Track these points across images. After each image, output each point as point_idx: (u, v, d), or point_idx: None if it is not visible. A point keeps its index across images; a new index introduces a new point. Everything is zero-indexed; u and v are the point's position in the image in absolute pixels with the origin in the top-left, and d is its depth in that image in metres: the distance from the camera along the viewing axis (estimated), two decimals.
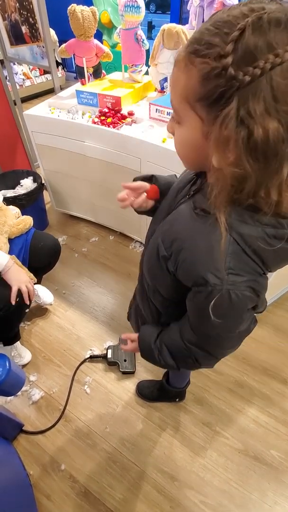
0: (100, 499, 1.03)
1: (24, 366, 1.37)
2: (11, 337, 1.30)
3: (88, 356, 1.40)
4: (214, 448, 1.14)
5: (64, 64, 4.34)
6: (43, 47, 1.80)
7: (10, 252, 1.19)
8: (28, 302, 1.11)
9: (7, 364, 0.93)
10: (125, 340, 0.75)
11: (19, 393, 1.27)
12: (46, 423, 1.20)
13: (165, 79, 1.69)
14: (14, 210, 1.34)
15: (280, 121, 0.31)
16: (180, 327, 0.59)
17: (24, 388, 1.28)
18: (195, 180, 0.52)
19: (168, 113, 1.43)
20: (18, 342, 1.36)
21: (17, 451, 1.09)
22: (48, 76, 3.93)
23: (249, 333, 0.57)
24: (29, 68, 3.88)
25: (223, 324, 0.47)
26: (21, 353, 1.36)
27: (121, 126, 1.48)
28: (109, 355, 1.37)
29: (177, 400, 1.24)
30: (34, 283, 1.25)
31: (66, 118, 1.58)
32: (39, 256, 1.29)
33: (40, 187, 1.87)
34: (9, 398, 1.26)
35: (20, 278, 1.09)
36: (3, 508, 0.81)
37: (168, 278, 0.53)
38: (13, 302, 1.06)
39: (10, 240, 1.24)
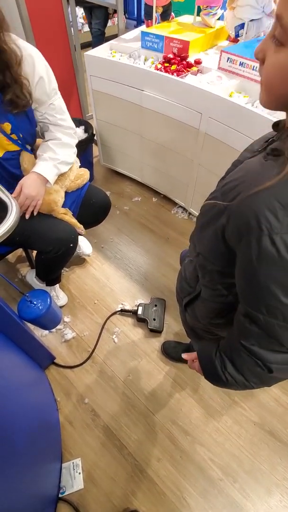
0: (116, 435, 1.11)
1: (61, 307, 1.45)
2: (53, 279, 1.37)
3: (119, 309, 1.44)
4: (230, 415, 1.16)
5: (126, 9, 4.03)
6: None
7: (63, 205, 1.20)
8: (25, 215, 1.05)
9: (49, 300, 0.99)
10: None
11: (54, 330, 1.37)
12: (75, 360, 1.29)
13: (242, 25, 1.49)
14: (77, 162, 1.32)
15: None
16: (233, 327, 0.52)
17: (58, 327, 1.38)
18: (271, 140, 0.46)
19: (241, 63, 1.27)
20: (58, 284, 1.43)
21: (47, 378, 1.20)
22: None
23: None
24: None
25: (281, 286, 0.39)
26: (59, 295, 1.44)
27: (186, 75, 1.36)
28: (140, 312, 1.40)
29: None
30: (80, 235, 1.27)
31: (128, 63, 1.49)
32: (89, 212, 1.29)
33: (91, 137, 1.84)
34: (45, 332, 1.37)
35: (38, 191, 1.01)
36: (33, 421, 0.91)
37: (221, 245, 0.47)
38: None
39: (66, 193, 1.24)
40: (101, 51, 1.63)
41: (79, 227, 1.21)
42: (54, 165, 1.05)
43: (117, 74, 1.51)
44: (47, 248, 1.10)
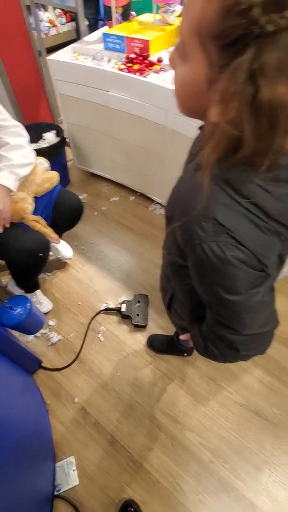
0: (108, 430, 1.14)
1: (45, 314, 1.46)
2: (31, 286, 1.38)
3: (104, 308, 1.47)
4: (216, 400, 1.20)
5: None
6: None
7: (34, 211, 1.20)
8: None
9: (29, 305, 1.00)
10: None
11: (39, 334, 1.38)
12: (63, 362, 1.31)
13: None
14: (43, 164, 1.33)
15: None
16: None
17: (43, 331, 1.39)
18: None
19: None
20: (39, 290, 1.44)
21: (35, 382, 1.21)
22: (74, 24, 3.68)
23: (271, 306, 0.51)
24: (56, 15, 3.65)
25: (219, 285, 0.44)
26: (41, 301, 1.45)
27: (148, 73, 1.39)
28: (123, 309, 1.42)
29: (185, 354, 1.30)
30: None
31: (92, 65, 1.50)
32: (62, 216, 1.30)
33: (63, 141, 1.85)
34: (29, 337, 1.37)
35: (3, 203, 1.00)
36: (24, 426, 0.92)
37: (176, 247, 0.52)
38: None
39: (36, 198, 1.25)
40: (64, 54, 1.64)
41: (52, 237, 1.22)
42: (11, 171, 1.04)
43: (82, 77, 1.53)
44: (15, 259, 1.10)
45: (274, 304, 0.56)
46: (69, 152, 2.05)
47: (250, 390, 1.22)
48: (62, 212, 1.27)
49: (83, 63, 1.53)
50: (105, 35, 1.56)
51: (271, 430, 1.13)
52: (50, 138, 1.92)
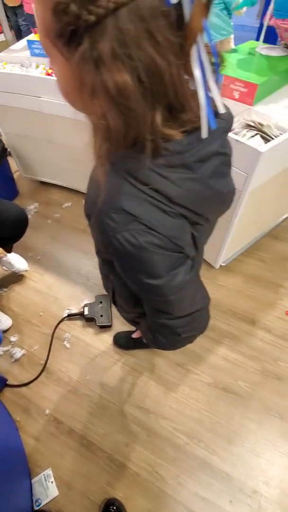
0: (83, 435, 1.13)
1: (5, 331, 1.41)
2: None
3: (66, 314, 1.45)
4: (186, 384, 1.24)
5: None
6: None
7: None
8: None
9: None
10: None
11: (1, 352, 1.33)
12: (29, 377, 1.27)
13: None
14: None
15: (131, 69, 0.29)
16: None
17: (5, 348, 1.34)
18: None
19: None
20: None
21: (2, 402, 1.17)
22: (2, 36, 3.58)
23: (194, 284, 0.53)
24: None
25: (140, 272, 0.46)
26: (0, 319, 1.40)
27: None
28: (86, 312, 1.42)
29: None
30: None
31: (20, 72, 1.48)
32: (3, 228, 1.26)
33: (3, 152, 1.79)
34: None
35: None
36: None
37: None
38: None
39: None
40: None
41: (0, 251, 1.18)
42: None
43: (11, 85, 1.49)
44: None
45: (199, 282, 0.59)
46: (13, 163, 2.00)
47: (216, 368, 1.27)
48: (2, 224, 1.24)
49: (11, 71, 1.50)
50: (30, 42, 1.54)
51: (239, 402, 1.18)
52: None
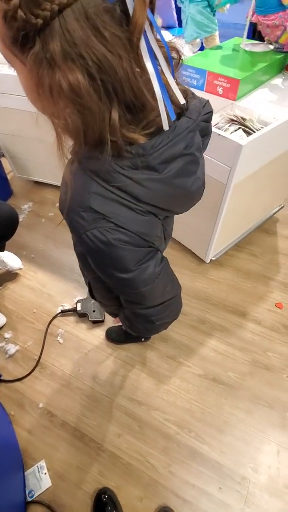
0: (75, 427, 1.15)
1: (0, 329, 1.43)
2: None
3: (59, 311, 1.47)
4: (177, 376, 1.26)
5: None
6: None
7: None
8: None
9: None
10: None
11: None
12: (23, 372, 1.29)
13: None
14: None
15: (82, 67, 0.30)
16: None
17: None
18: None
19: None
20: None
21: None
22: None
23: (164, 275, 0.54)
24: None
25: (111, 267, 0.47)
26: None
27: None
28: (79, 308, 1.44)
29: (143, 340, 1.34)
30: None
31: (9, 72, 1.50)
32: None
33: None
34: None
35: None
36: None
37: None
38: None
39: None
40: None
41: None
42: None
43: (2, 86, 1.52)
44: None
45: (169, 273, 0.60)
46: (6, 164, 2.02)
47: (206, 360, 1.29)
48: None
49: (1, 72, 1.52)
50: None
51: (228, 392, 1.20)
52: None
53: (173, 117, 0.38)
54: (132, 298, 0.57)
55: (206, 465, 1.05)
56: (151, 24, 0.32)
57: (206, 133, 0.58)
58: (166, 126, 0.38)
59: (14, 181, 2.13)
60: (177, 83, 0.42)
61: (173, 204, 0.48)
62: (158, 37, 0.35)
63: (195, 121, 0.43)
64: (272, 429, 1.11)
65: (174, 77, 0.38)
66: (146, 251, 0.48)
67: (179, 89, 0.41)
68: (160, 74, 0.35)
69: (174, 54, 0.38)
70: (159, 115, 0.37)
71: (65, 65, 0.30)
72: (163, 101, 0.36)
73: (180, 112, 0.42)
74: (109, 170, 0.40)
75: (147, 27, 0.32)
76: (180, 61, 0.40)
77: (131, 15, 0.30)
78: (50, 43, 0.29)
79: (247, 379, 1.22)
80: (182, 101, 0.39)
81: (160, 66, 0.35)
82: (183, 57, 0.40)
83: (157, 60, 0.34)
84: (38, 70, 0.31)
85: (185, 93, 0.44)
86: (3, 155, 1.97)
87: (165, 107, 0.36)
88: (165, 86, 0.36)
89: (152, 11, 0.33)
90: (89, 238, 0.43)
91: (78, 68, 0.30)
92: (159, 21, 1.56)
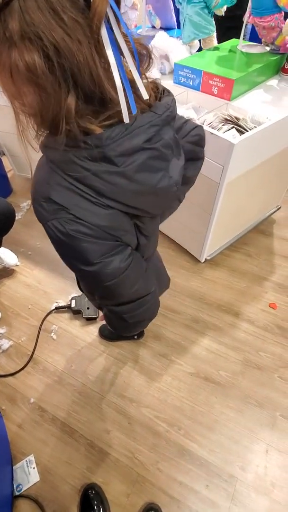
0: (66, 423, 1.15)
1: None
2: None
3: (54, 307, 1.48)
4: (169, 374, 1.26)
5: None
6: None
7: None
8: None
9: None
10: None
11: None
12: (16, 367, 1.30)
13: None
14: None
15: (39, 48, 0.30)
16: None
17: None
18: None
19: None
20: None
21: None
22: None
23: (133, 271, 0.53)
24: None
25: (74, 258, 0.47)
26: None
27: None
28: (73, 305, 1.45)
29: (136, 338, 1.34)
30: None
31: None
32: None
33: None
34: None
35: None
36: None
37: None
38: None
39: None
40: None
41: None
42: None
43: None
44: None
45: (140, 269, 0.58)
46: (6, 162, 2.04)
47: (198, 358, 1.29)
48: None
49: None
50: None
51: (219, 391, 1.20)
52: None
53: (134, 111, 0.37)
54: (99, 292, 0.56)
55: (195, 463, 1.05)
56: (116, 18, 0.33)
57: (197, 157, 0.58)
58: (126, 119, 0.37)
59: (14, 179, 2.16)
60: (151, 81, 0.42)
61: (141, 202, 0.46)
62: (124, 31, 0.35)
63: (160, 116, 0.41)
64: (261, 429, 1.10)
65: (140, 73, 0.38)
66: (112, 245, 0.47)
67: (150, 86, 0.41)
68: (123, 66, 0.35)
69: (143, 51, 0.38)
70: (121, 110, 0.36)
71: (22, 45, 0.30)
72: (124, 93, 0.36)
73: (146, 109, 0.41)
74: (67, 161, 0.40)
75: (112, 19, 0.32)
76: (150, 59, 0.40)
77: (91, 1, 0.31)
78: (9, 22, 0.30)
79: (238, 378, 1.22)
80: (145, 96, 0.38)
81: (125, 58, 0.35)
82: (153, 55, 0.40)
83: (122, 53, 0.35)
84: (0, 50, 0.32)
85: (158, 90, 0.44)
86: (4, 154, 1.99)
87: (127, 100, 0.36)
88: (128, 80, 0.36)
89: (118, 4, 0.33)
90: (50, 228, 0.44)
91: (35, 49, 0.31)
92: (158, 22, 1.58)
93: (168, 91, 0.46)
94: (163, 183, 0.44)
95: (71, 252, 0.46)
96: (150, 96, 0.40)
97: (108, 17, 0.32)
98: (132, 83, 0.37)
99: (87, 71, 0.33)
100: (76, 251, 0.45)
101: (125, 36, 0.35)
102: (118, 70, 0.34)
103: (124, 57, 0.35)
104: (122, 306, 0.59)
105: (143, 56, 0.39)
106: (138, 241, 0.54)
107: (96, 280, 0.50)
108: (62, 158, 0.40)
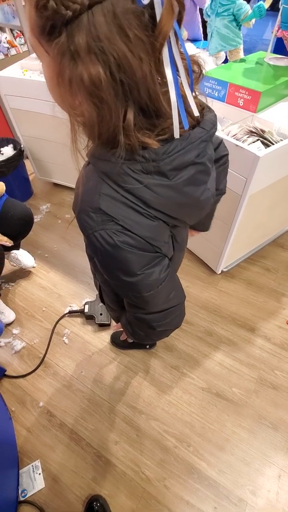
0: (73, 430, 1.14)
1: (8, 325, 1.46)
2: None
3: (67, 311, 1.48)
4: (180, 387, 1.23)
5: None
6: (13, 5, 1.74)
7: None
8: None
9: None
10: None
11: (2, 343, 1.38)
12: (27, 369, 1.31)
13: None
14: None
15: (104, 62, 0.31)
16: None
17: (6, 340, 1.39)
18: None
19: None
20: (1, 301, 1.44)
21: None
22: None
23: (170, 282, 0.54)
24: (13, 35, 3.74)
25: (116, 269, 0.48)
26: (3, 311, 1.45)
27: None
28: (86, 310, 1.45)
29: (148, 347, 1.33)
30: (12, 248, 1.31)
31: (36, 78, 1.57)
32: (9, 225, 1.32)
33: (20, 153, 1.89)
34: None
35: None
36: None
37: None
38: None
39: None
40: (12, 70, 1.70)
41: (4, 240, 1.24)
42: None
43: (30, 91, 1.59)
44: None
45: (176, 279, 0.60)
46: (29, 165, 2.09)
47: (211, 373, 1.26)
48: (9, 221, 1.30)
49: (30, 78, 1.60)
50: None
51: (232, 409, 1.16)
52: (8, 152, 1.95)
53: (186, 126, 0.38)
54: (135, 302, 0.57)
55: (203, 483, 1.02)
56: (176, 36, 0.33)
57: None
58: (177, 134, 0.38)
59: (35, 182, 2.21)
60: (195, 97, 0.43)
61: (182, 213, 0.48)
62: (182, 50, 0.35)
63: (208, 132, 0.43)
64: (275, 452, 1.06)
65: (192, 90, 0.38)
66: (153, 256, 0.48)
67: (196, 102, 0.41)
68: (178, 83, 0.35)
69: (195, 68, 0.39)
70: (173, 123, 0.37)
71: (87, 58, 0.31)
72: (178, 109, 0.36)
73: (195, 124, 0.43)
74: (120, 173, 0.40)
75: (172, 37, 0.32)
76: (201, 76, 0.40)
77: (158, 20, 0.31)
78: (76, 36, 0.30)
79: (252, 397, 1.18)
80: (196, 113, 0.39)
81: (179, 77, 0.36)
82: (204, 71, 0.40)
83: (178, 70, 0.35)
84: (61, 61, 0.32)
85: (201, 106, 0.45)
86: (27, 157, 2.04)
87: (179, 115, 0.37)
88: (181, 97, 0.36)
89: (179, 23, 0.33)
90: (97, 238, 0.44)
91: (99, 63, 0.31)
92: (185, 34, 1.59)
93: (209, 107, 0.46)
94: (205, 195, 0.47)
95: (115, 263, 0.47)
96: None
97: (169, 36, 0.32)
98: (184, 99, 0.37)
99: (145, 87, 0.34)
100: (121, 262, 0.46)
101: (181, 53, 0.35)
102: (174, 87, 0.34)
103: (179, 75, 0.35)
104: (152, 315, 0.59)
105: (195, 74, 0.39)
106: (174, 250, 0.55)
107: (135, 290, 0.51)
108: (115, 170, 0.40)
